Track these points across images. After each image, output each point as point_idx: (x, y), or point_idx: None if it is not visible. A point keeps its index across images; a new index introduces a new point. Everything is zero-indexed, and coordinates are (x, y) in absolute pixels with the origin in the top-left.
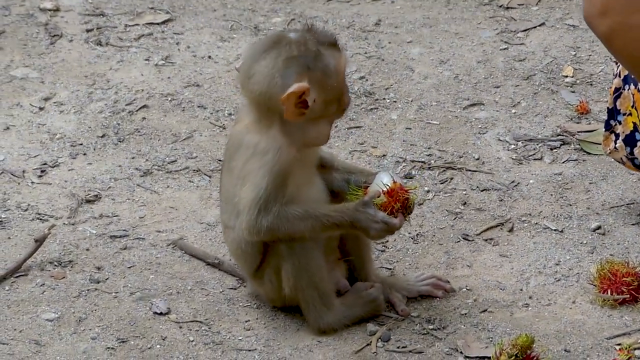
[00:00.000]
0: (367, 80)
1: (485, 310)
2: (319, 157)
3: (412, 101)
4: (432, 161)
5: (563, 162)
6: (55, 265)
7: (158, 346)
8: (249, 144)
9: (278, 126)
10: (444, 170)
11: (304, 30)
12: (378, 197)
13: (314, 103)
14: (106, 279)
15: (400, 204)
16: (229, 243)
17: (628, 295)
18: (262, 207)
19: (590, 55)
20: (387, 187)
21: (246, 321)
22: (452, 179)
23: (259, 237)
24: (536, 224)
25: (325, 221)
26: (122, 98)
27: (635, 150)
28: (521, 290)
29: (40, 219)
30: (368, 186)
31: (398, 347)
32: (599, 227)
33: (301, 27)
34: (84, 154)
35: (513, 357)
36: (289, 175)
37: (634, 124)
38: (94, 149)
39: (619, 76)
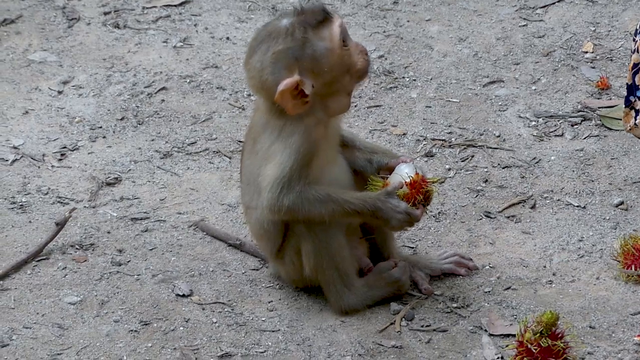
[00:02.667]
0: (386, 59)
1: (508, 288)
2: (341, 136)
3: (431, 79)
4: (453, 139)
5: (584, 138)
6: (76, 248)
7: (181, 328)
8: (275, 126)
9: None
10: (464, 148)
11: (294, 14)
12: (400, 188)
13: (314, 88)
14: (128, 262)
15: (422, 195)
16: (252, 224)
17: None
18: (286, 185)
19: (609, 30)
20: (410, 178)
21: (269, 302)
22: (473, 156)
23: (279, 215)
24: (558, 200)
25: (347, 207)
26: (140, 81)
27: None
28: (544, 267)
29: (61, 203)
30: (388, 177)
31: (422, 326)
32: (621, 203)
33: (290, 13)
34: (104, 137)
35: (538, 334)
36: (314, 154)
37: None
38: (114, 132)
39: (638, 52)
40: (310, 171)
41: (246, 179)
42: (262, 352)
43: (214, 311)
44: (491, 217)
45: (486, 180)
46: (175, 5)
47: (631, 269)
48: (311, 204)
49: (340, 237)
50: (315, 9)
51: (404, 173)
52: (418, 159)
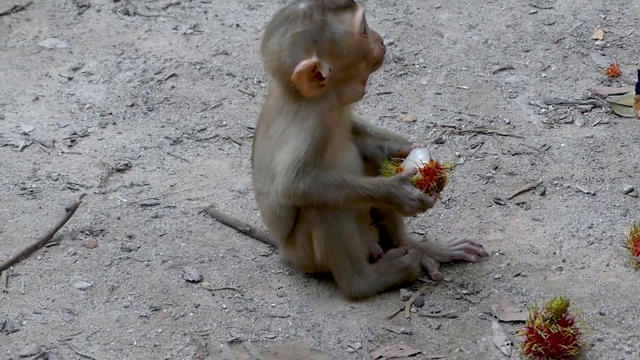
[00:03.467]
0: (396, 46)
1: (518, 274)
2: (352, 123)
3: (441, 66)
4: (463, 126)
5: (594, 125)
6: (86, 234)
7: (191, 314)
8: (289, 111)
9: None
10: (474, 135)
11: None
12: (414, 174)
13: (331, 72)
14: (138, 248)
15: (435, 182)
16: (263, 209)
17: None
18: (301, 169)
19: (620, 18)
20: (424, 164)
21: (279, 288)
22: (483, 143)
23: (294, 200)
24: (568, 187)
25: (361, 193)
26: (150, 67)
27: None
28: (554, 253)
29: (71, 189)
30: (401, 161)
31: (432, 312)
32: (631, 190)
33: None
34: (114, 124)
35: (548, 321)
36: (329, 139)
37: None
38: (124, 118)
39: None
40: (325, 156)
41: (258, 164)
42: (271, 338)
43: (223, 297)
44: (501, 204)
45: (496, 167)
46: None
47: None
48: (326, 189)
49: (352, 223)
50: None
51: (417, 159)
52: (429, 145)
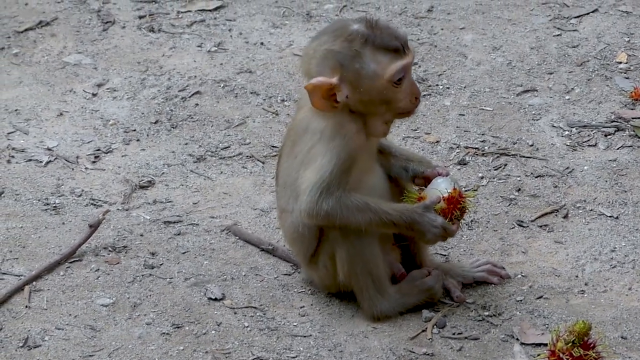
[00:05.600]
0: (420, 66)
1: (540, 297)
2: (379, 145)
3: (465, 87)
4: (486, 147)
5: (617, 149)
6: (109, 250)
7: (213, 332)
8: (316, 130)
9: (344, 113)
10: (497, 157)
11: (366, 25)
12: (438, 202)
13: (348, 99)
14: (160, 265)
15: (459, 211)
16: (286, 228)
17: None
18: (325, 190)
19: None
20: (448, 193)
21: (301, 307)
22: (506, 165)
23: (317, 220)
24: (591, 210)
25: (384, 218)
26: (174, 84)
27: None
28: (577, 276)
29: (94, 205)
30: (424, 189)
31: (454, 334)
32: None
33: (366, 22)
34: (137, 140)
35: (570, 344)
36: (355, 161)
37: None
38: (147, 135)
39: None
40: (350, 178)
41: (282, 182)
42: (293, 357)
43: (245, 315)
44: (524, 226)
45: (519, 189)
46: (210, 10)
47: None
48: (349, 211)
49: (375, 244)
50: (390, 32)
51: (442, 187)
52: (451, 167)
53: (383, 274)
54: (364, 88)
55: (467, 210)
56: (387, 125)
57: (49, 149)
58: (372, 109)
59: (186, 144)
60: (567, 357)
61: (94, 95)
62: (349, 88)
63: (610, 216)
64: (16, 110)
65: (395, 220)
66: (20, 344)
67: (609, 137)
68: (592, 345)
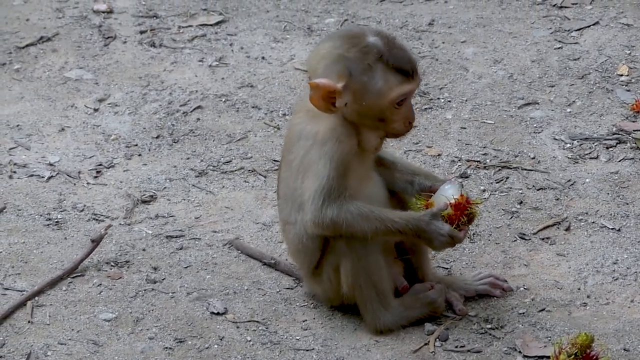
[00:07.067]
0: (421, 80)
1: (543, 310)
2: (380, 157)
3: (466, 101)
4: (488, 160)
5: (619, 161)
6: (112, 265)
7: (216, 346)
8: (309, 135)
9: (336, 118)
10: (499, 170)
11: (383, 41)
12: (445, 209)
13: (346, 107)
14: (163, 279)
15: (466, 218)
16: (290, 239)
17: None
18: (327, 196)
19: None
20: (455, 199)
21: (303, 321)
22: (507, 178)
23: (323, 228)
24: (593, 222)
25: (390, 226)
26: (176, 99)
27: None
28: (579, 289)
29: (96, 220)
30: (431, 196)
31: (456, 347)
32: None
33: (384, 38)
34: (139, 155)
35: (573, 356)
36: (349, 166)
37: None
38: (149, 150)
39: None
40: (348, 184)
41: (283, 194)
42: None
43: (248, 329)
44: (526, 239)
45: (521, 202)
46: (211, 25)
47: None
48: (354, 219)
49: (379, 256)
50: (404, 55)
51: (449, 194)
52: (459, 180)
53: (387, 286)
54: (365, 102)
55: (475, 217)
56: (381, 140)
57: (50, 164)
58: (365, 123)
59: (188, 158)
60: None
61: (96, 110)
62: (351, 97)
63: (612, 228)
64: (18, 125)
65: (402, 228)
66: (23, 359)
67: (611, 149)
68: (594, 357)
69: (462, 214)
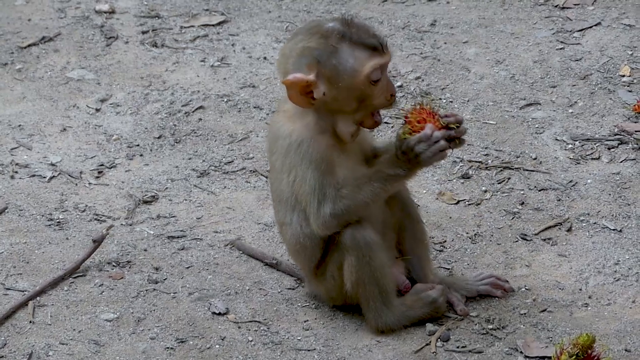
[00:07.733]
0: (423, 80)
1: (544, 310)
2: (373, 149)
3: (468, 101)
4: (489, 161)
5: (621, 162)
6: (113, 265)
7: (217, 346)
8: (285, 134)
9: (311, 115)
10: (501, 170)
11: (342, 23)
12: (404, 126)
13: (324, 96)
14: (164, 279)
15: (426, 114)
16: (288, 240)
17: None
18: (319, 197)
19: None
20: (419, 105)
21: (305, 321)
22: (509, 178)
23: (331, 227)
24: (595, 223)
25: (382, 176)
26: (178, 99)
27: None
28: (580, 289)
29: (98, 220)
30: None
31: (457, 347)
32: None
33: (341, 19)
34: (141, 155)
35: (574, 357)
36: (331, 160)
37: None
38: (151, 150)
39: None
40: (337, 176)
41: (276, 196)
42: None
43: (249, 329)
44: (527, 240)
45: (522, 203)
46: (213, 25)
47: None
48: (350, 200)
49: (383, 255)
50: (366, 30)
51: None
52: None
53: (390, 285)
54: (341, 83)
55: (437, 115)
56: (357, 128)
57: (52, 165)
58: (346, 107)
59: (190, 158)
60: None
61: (97, 110)
62: (326, 85)
63: (613, 229)
64: (19, 125)
65: (389, 169)
66: (24, 359)
67: (612, 150)
68: (596, 358)
69: (419, 114)
